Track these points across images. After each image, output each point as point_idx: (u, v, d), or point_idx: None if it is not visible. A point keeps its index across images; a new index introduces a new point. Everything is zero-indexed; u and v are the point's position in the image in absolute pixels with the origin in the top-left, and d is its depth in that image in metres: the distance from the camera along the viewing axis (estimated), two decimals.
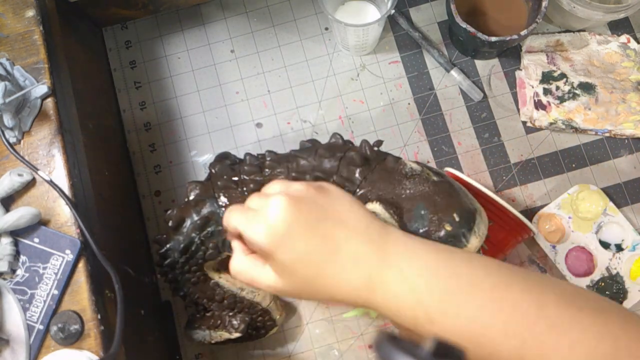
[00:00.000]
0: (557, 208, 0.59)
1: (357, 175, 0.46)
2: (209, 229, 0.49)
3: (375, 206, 0.44)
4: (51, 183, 0.45)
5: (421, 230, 0.42)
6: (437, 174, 0.46)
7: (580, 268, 0.58)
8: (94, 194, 0.49)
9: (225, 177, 0.50)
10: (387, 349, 0.29)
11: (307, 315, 0.59)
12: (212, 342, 0.53)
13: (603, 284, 0.57)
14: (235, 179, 0.50)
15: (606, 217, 0.59)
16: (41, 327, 0.43)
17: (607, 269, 0.58)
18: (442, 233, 0.42)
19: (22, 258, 0.44)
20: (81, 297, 0.44)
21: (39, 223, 0.45)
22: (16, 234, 0.44)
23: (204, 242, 0.50)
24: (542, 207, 0.60)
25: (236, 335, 0.53)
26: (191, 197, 0.50)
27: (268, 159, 0.50)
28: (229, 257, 0.52)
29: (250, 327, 0.54)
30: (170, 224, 0.50)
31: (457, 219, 0.42)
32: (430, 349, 0.28)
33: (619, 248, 0.58)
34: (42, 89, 0.47)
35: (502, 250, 0.53)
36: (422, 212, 0.43)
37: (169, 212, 0.50)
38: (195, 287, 0.52)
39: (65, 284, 0.44)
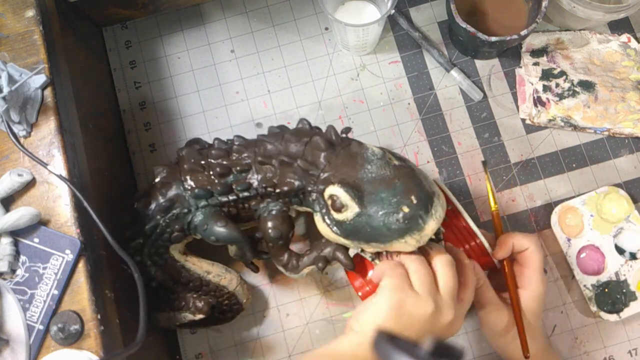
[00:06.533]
0: (582, 204, 0.59)
1: (321, 159, 0.47)
2: (174, 211, 0.49)
3: (336, 188, 0.44)
4: (61, 177, 0.45)
5: (380, 213, 0.43)
6: (400, 159, 0.47)
7: (589, 267, 0.58)
8: (94, 194, 0.50)
9: (192, 160, 0.50)
10: (386, 348, 0.29)
11: (307, 315, 0.59)
12: (177, 324, 0.54)
13: (609, 286, 0.57)
14: (203, 162, 0.50)
15: (628, 224, 0.59)
16: (41, 327, 0.43)
17: (617, 273, 0.58)
18: (400, 215, 0.42)
19: (22, 258, 0.44)
20: (81, 297, 0.44)
21: (39, 223, 0.45)
22: (16, 234, 0.44)
23: (169, 225, 0.50)
24: (542, 206, 0.60)
25: (199, 316, 0.53)
26: (157, 180, 0.51)
27: (236, 143, 0.51)
28: (195, 240, 0.53)
29: (217, 311, 0.55)
30: (135, 205, 0.50)
31: (414, 201, 0.43)
32: (429, 349, 0.28)
33: (633, 256, 0.58)
34: (40, 78, 0.47)
35: None
36: (382, 195, 0.44)
37: (135, 194, 0.51)
38: (161, 269, 0.52)
39: (65, 284, 0.44)
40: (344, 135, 0.50)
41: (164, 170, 0.51)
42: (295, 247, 0.53)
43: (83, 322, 0.44)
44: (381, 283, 0.45)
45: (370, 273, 0.50)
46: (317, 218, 0.48)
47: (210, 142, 0.53)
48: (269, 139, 0.50)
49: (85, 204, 0.45)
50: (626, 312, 0.57)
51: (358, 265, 0.51)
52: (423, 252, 0.47)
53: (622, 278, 0.58)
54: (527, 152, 0.62)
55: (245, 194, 0.49)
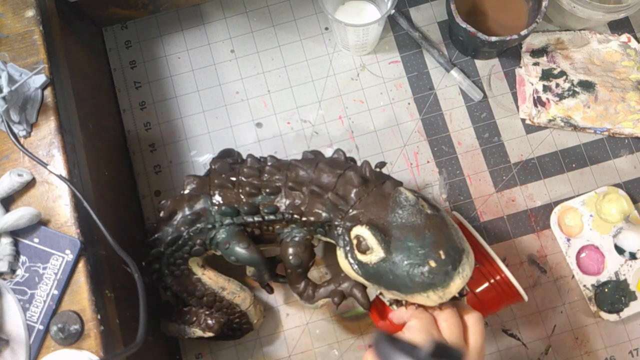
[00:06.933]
0: (581, 204, 0.60)
1: (352, 195, 0.46)
2: (199, 225, 0.49)
3: (363, 229, 0.43)
4: (61, 177, 0.45)
5: (405, 262, 0.41)
6: (432, 207, 0.45)
7: (589, 267, 0.58)
8: (94, 194, 0.50)
9: (223, 175, 0.50)
10: (386, 349, 0.29)
11: (307, 315, 0.59)
12: (186, 337, 0.54)
13: (609, 286, 0.57)
14: (233, 179, 0.50)
15: (627, 224, 0.59)
16: (41, 327, 0.43)
17: (616, 273, 0.58)
18: (426, 269, 0.41)
19: (22, 258, 0.44)
20: (81, 297, 0.44)
21: (39, 223, 0.45)
22: (16, 234, 0.44)
23: (192, 238, 0.50)
24: (541, 206, 0.60)
25: (209, 334, 0.53)
26: (186, 191, 0.50)
27: (269, 163, 0.50)
28: (214, 255, 0.52)
29: (227, 327, 0.54)
30: (162, 214, 0.50)
31: (442, 256, 0.41)
32: (429, 350, 0.28)
33: (633, 256, 0.58)
34: (40, 78, 0.47)
35: (488, 310, 0.52)
36: (410, 243, 0.42)
37: (162, 202, 0.51)
38: (177, 280, 0.52)
39: (65, 284, 0.44)
40: (377, 170, 0.49)
41: (194, 181, 0.50)
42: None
43: (83, 322, 0.44)
44: (409, 323, 0.43)
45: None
46: (340, 253, 0.47)
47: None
48: (302, 165, 0.49)
49: (85, 204, 0.45)
50: (626, 312, 0.57)
51: (379, 306, 0.50)
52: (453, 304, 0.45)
53: (621, 278, 0.58)
54: (527, 152, 0.62)
55: (271, 217, 0.48)
